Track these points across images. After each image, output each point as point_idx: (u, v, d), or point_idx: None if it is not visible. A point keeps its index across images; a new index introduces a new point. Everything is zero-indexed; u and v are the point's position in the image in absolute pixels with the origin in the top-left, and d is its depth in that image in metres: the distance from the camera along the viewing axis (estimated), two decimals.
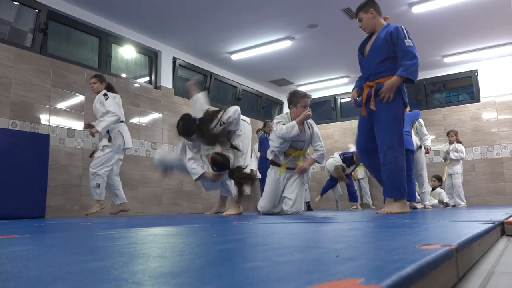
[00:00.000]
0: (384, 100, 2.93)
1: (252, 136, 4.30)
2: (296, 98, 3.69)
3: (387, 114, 2.95)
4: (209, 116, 3.76)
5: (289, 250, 0.71)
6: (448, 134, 6.84)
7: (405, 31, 2.93)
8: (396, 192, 2.91)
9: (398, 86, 2.93)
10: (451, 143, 6.76)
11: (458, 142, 6.77)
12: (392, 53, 2.96)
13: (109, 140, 4.20)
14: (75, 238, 1.27)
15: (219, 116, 3.78)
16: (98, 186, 4.12)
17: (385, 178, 2.95)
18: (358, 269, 0.47)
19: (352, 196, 7.07)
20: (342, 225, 1.57)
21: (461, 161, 6.74)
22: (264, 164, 5.76)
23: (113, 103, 4.23)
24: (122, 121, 4.38)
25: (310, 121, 3.79)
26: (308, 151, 3.96)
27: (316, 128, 3.86)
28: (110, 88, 4.39)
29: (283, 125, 3.61)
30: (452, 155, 6.62)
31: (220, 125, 3.77)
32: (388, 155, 2.90)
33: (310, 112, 3.65)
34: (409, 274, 0.42)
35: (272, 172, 3.83)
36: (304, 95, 3.71)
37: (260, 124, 7.66)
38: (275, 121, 3.74)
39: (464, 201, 6.59)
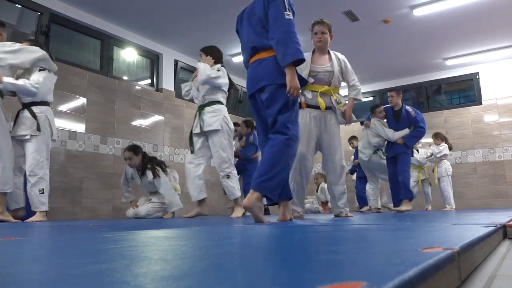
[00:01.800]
0: None
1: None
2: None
3: None
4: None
5: (290, 253, 0.71)
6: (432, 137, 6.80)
7: None
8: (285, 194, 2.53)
9: None
10: (437, 145, 6.66)
11: (446, 143, 6.69)
12: None
13: (38, 129, 3.35)
14: (77, 240, 1.27)
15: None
16: (43, 192, 3.32)
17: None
18: (360, 272, 0.46)
19: (362, 200, 6.72)
20: (343, 228, 1.57)
21: (446, 163, 6.63)
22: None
23: (42, 77, 3.40)
24: (48, 104, 3.54)
25: (339, 54, 3.61)
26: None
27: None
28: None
29: None
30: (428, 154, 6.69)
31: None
32: None
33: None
34: (411, 277, 0.42)
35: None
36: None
37: None
38: None
39: (452, 204, 6.42)
